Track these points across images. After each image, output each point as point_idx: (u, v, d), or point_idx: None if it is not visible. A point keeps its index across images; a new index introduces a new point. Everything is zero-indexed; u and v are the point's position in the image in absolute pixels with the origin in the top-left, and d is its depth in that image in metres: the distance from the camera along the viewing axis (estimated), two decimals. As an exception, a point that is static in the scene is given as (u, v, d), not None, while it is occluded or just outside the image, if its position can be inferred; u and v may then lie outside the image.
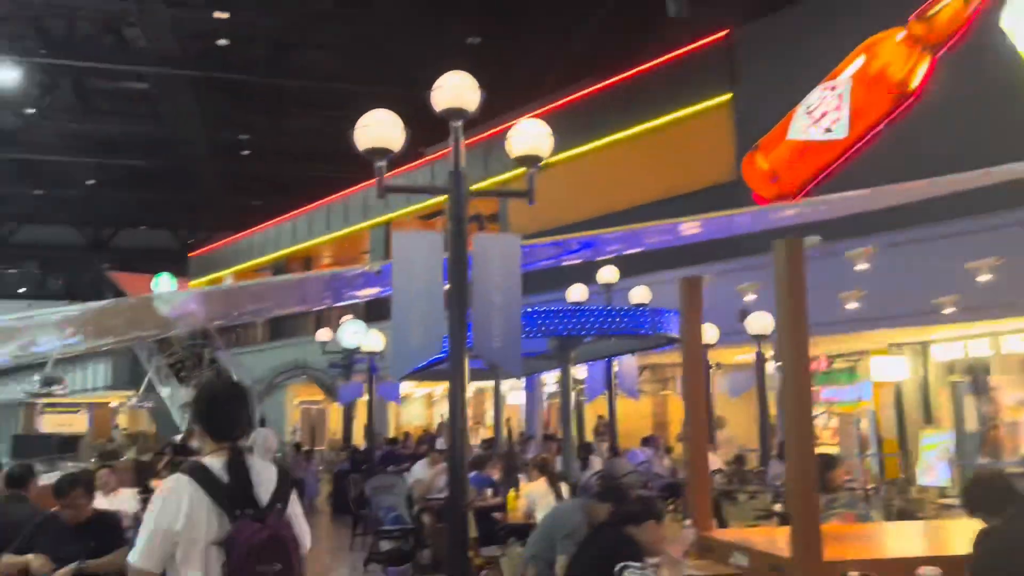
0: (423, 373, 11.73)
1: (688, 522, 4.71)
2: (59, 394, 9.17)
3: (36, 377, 7.72)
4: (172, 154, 29.68)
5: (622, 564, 3.75)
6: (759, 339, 10.79)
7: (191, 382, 25.78)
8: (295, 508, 2.77)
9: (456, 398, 7.07)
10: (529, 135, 5.44)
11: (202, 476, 2.59)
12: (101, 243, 40.28)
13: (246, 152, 30.11)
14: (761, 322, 10.48)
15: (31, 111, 25.35)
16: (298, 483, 15.51)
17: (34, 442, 31.20)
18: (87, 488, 4.94)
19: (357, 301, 17.38)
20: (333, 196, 26.45)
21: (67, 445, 32.14)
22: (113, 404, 33.02)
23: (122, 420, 34.42)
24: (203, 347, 27.63)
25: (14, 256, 39.77)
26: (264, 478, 2.68)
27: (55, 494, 4.81)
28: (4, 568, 4.70)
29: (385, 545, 8.88)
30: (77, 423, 33.37)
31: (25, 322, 10.91)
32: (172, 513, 2.54)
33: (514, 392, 19.37)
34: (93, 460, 21.99)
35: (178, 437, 17.53)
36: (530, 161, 5.53)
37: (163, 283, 32.35)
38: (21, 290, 37.01)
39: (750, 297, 11.50)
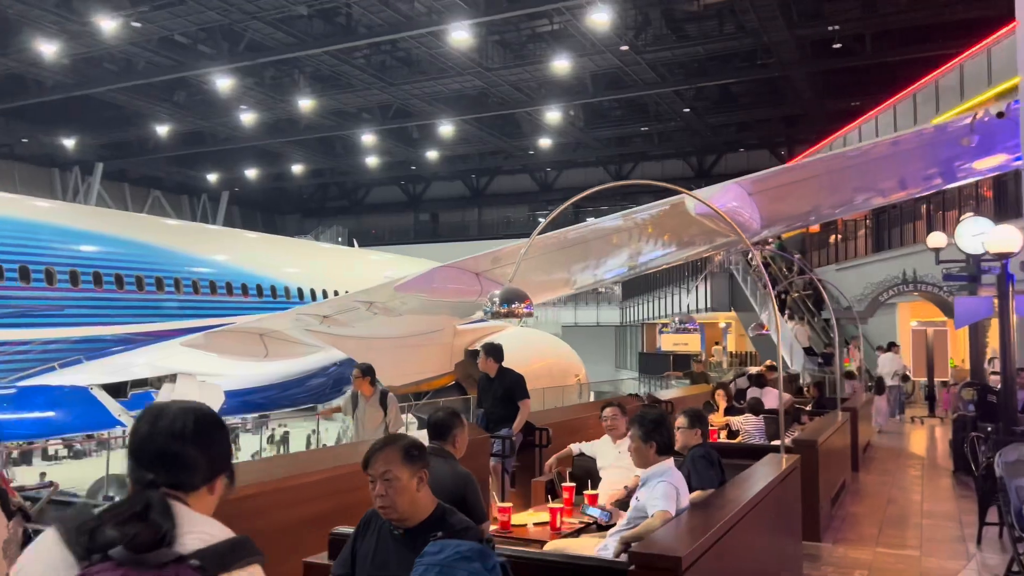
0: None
1: None
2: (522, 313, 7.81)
3: (496, 296, 5.90)
4: (761, 66, 27.34)
5: None
6: None
7: (788, 305, 23.38)
8: None
9: None
10: None
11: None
12: (704, 171, 40.47)
13: (837, 46, 25.98)
14: None
15: (624, 48, 25.69)
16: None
17: (655, 359, 33.02)
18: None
19: (974, 178, 12.51)
20: (942, 68, 20.76)
21: (681, 363, 33.17)
22: (721, 324, 32.79)
23: (731, 341, 34.10)
24: (789, 265, 24.93)
25: (633, 192, 42.65)
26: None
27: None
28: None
29: (1036, 563, 5.14)
30: (692, 342, 34.16)
31: (626, 222, 9.60)
32: None
33: None
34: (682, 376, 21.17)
35: (752, 369, 15.31)
36: None
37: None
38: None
39: None
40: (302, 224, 47.99)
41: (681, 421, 4.92)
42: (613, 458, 5.59)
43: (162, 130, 32.74)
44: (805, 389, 12.57)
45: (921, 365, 17.67)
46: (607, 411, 5.89)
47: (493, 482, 6.41)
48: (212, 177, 41.24)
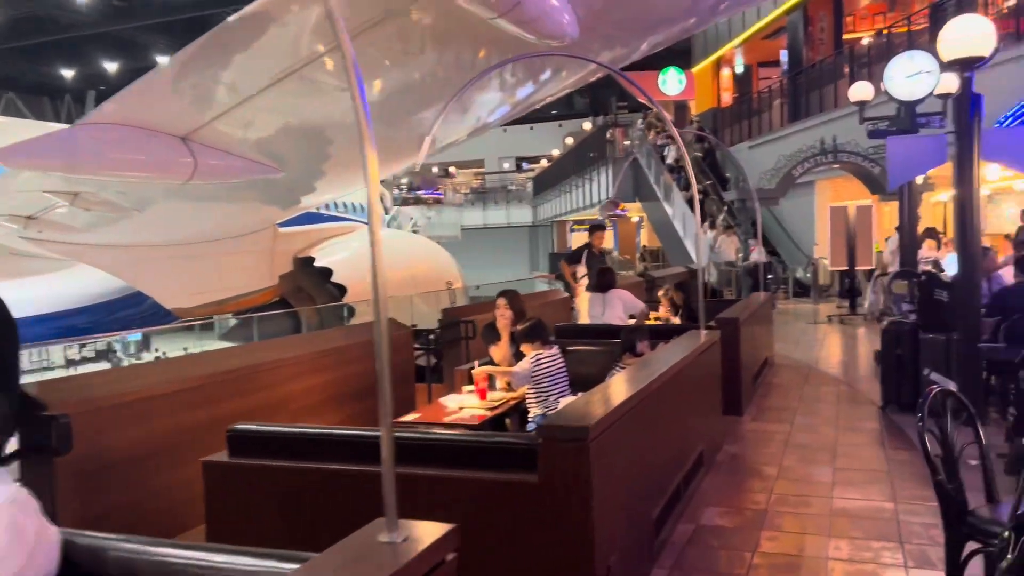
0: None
1: None
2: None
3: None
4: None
5: None
6: None
7: (704, 196, 19.87)
8: None
9: None
10: None
11: None
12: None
13: None
14: None
15: None
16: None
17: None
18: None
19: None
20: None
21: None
22: (635, 219, 29.47)
23: (644, 236, 31.06)
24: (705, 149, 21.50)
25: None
26: None
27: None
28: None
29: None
30: (607, 239, 30.87)
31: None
32: None
33: None
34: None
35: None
36: None
37: (670, 79, 26.87)
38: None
39: None
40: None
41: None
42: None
43: (-12, 17, 27.06)
44: (661, 294, 9.20)
45: (843, 250, 14.50)
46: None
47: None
48: (68, 73, 35.42)
